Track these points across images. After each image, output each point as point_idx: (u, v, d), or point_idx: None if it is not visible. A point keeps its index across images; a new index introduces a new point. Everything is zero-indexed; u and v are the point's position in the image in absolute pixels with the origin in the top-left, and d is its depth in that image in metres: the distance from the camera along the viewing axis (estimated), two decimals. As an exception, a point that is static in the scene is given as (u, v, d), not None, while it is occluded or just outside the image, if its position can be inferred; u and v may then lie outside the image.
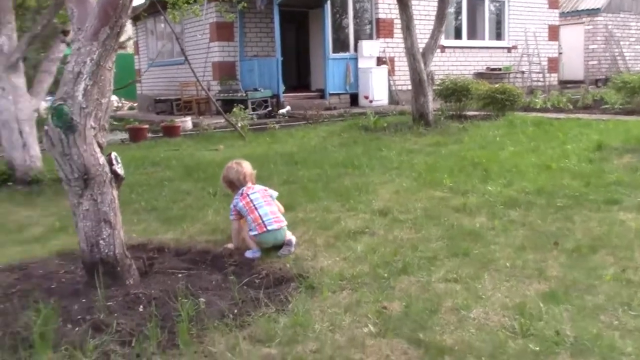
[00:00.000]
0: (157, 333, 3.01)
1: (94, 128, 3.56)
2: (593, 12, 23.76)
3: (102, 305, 3.30)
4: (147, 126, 12.38)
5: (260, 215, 4.42)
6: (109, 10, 3.26)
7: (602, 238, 4.30)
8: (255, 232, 4.37)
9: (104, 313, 3.25)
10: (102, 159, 3.53)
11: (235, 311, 3.37)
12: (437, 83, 12.85)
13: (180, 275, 4.00)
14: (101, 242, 3.61)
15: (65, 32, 8.22)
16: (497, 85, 12.70)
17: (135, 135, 11.89)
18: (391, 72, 17.39)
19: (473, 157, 7.75)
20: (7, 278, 4.08)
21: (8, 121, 7.53)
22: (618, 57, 23.51)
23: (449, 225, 4.79)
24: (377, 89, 16.83)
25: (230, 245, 4.52)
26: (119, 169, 3.65)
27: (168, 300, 3.44)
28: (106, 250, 3.63)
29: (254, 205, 4.47)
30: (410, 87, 12.05)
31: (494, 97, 12.24)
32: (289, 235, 4.47)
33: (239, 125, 11.87)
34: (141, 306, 3.40)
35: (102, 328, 3.08)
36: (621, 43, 23.92)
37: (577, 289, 3.44)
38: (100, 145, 3.64)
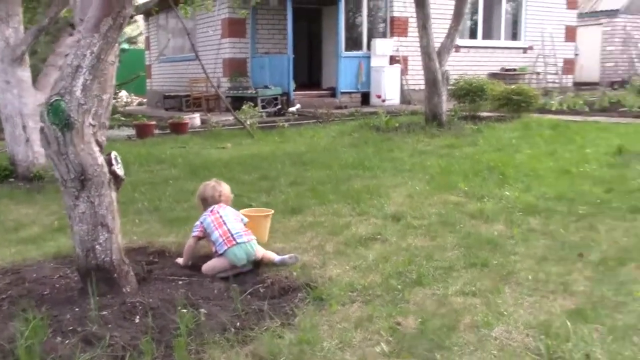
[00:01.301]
0: (152, 348, 2.79)
1: (93, 126, 3.35)
2: (612, 14, 23.35)
3: (96, 316, 3.09)
4: (154, 122, 12.19)
5: (228, 229, 4.04)
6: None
7: (630, 250, 4.05)
8: (225, 248, 3.95)
9: (97, 324, 3.03)
10: (100, 159, 3.31)
11: (238, 324, 3.14)
12: (452, 83, 12.59)
13: (180, 282, 3.79)
14: (97, 247, 3.40)
15: (73, 26, 8.02)
16: (512, 86, 12.43)
17: (142, 131, 11.70)
18: (404, 71, 17.11)
19: (488, 160, 7.50)
20: (-2, 282, 3.88)
21: (12, 115, 7.35)
22: (635, 59, 23.10)
23: (465, 233, 4.54)
24: (389, 88, 16.56)
25: (179, 260, 4.16)
26: (119, 170, 3.43)
27: (166, 312, 3.22)
28: (102, 256, 3.42)
29: (223, 220, 4.09)
30: (423, 87, 11.78)
31: (510, 98, 11.97)
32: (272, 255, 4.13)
33: (248, 123, 11.67)
34: (137, 317, 3.18)
35: (94, 342, 2.86)
36: (639, 45, 23.51)
37: (606, 306, 3.20)
38: (99, 144, 3.43)
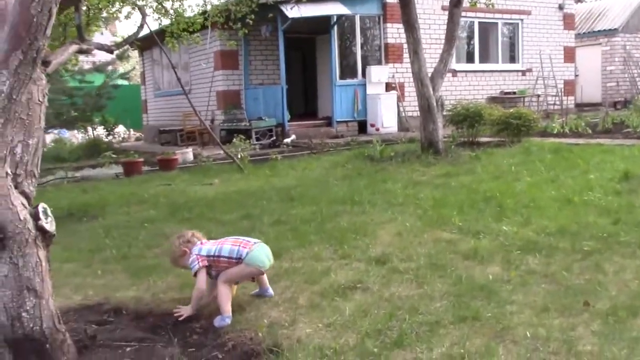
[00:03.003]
0: None
1: (15, 176, 2.92)
2: (610, 33, 23.01)
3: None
4: (141, 160, 11.79)
5: (236, 238, 3.87)
6: (21, 31, 2.63)
7: (642, 295, 3.55)
8: (245, 252, 3.72)
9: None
10: (23, 213, 2.87)
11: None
12: (448, 109, 12.18)
13: (128, 349, 3.32)
14: (24, 314, 2.94)
15: (45, 63, 7.66)
16: (511, 110, 11.99)
17: (130, 169, 11.30)
18: (401, 98, 16.75)
19: (486, 190, 7.03)
20: None
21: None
22: (638, 78, 22.68)
23: (456, 278, 4.06)
24: (386, 116, 16.18)
25: (184, 310, 3.73)
26: (48, 225, 2.99)
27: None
28: (31, 325, 2.95)
29: (222, 239, 3.90)
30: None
31: (509, 123, 11.51)
32: None
33: (240, 156, 11.26)
34: (65, 400, 2.71)
35: None
36: (640, 64, 23.13)
37: (617, 371, 2.71)
38: (27, 196, 3.00)
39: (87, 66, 19.22)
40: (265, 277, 3.98)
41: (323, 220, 5.99)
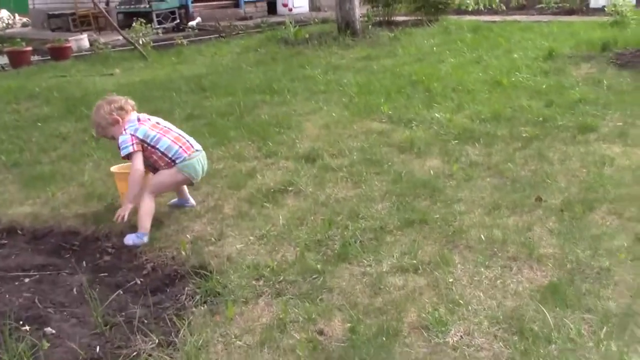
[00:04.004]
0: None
1: None
2: None
3: None
4: (30, 48, 10.55)
5: (180, 135, 3.30)
6: None
7: (594, 186, 3.34)
8: (184, 156, 3.21)
9: None
10: None
11: (97, 349, 2.24)
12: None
13: (27, 280, 2.82)
14: None
15: None
16: (428, -14, 11.49)
17: (16, 59, 10.09)
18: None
19: (410, 73, 6.66)
20: None
21: None
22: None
23: (395, 175, 3.72)
24: (296, -5, 15.30)
25: (121, 210, 3.14)
26: None
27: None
28: None
29: (166, 127, 3.32)
30: (333, -8, 10.68)
31: (427, 0, 11.05)
32: None
33: (141, 42, 10.29)
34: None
35: None
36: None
37: (586, 277, 2.47)
38: None
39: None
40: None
41: (241, 113, 5.47)
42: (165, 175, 3.24)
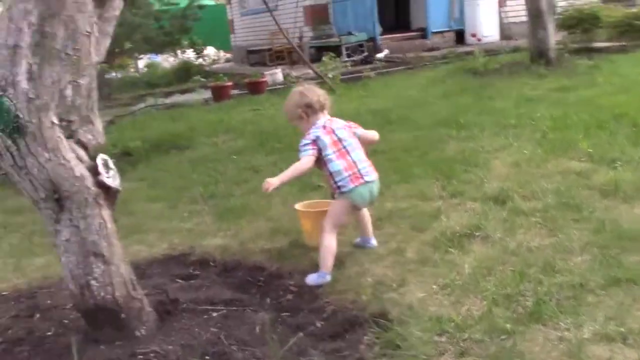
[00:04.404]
0: None
1: (68, 123, 2.47)
2: None
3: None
4: (230, 83, 11.35)
5: (354, 162, 3.22)
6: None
7: None
8: (350, 186, 3.17)
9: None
10: (79, 169, 2.42)
11: (275, 395, 2.22)
12: (558, 12, 10.90)
13: (215, 314, 2.91)
14: (93, 282, 2.55)
15: (121, -14, 7.23)
16: (634, 10, 10.57)
17: (218, 93, 10.93)
18: (502, 2, 15.31)
19: (613, 105, 6.09)
20: (3, 314, 3.16)
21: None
22: None
23: (597, 223, 3.35)
24: (485, 24, 14.87)
25: (274, 180, 3.13)
26: (110, 180, 2.53)
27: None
28: (102, 293, 2.57)
29: (345, 147, 3.24)
30: (525, 19, 10.22)
31: (632, 25, 10.16)
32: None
33: (330, 75, 10.61)
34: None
35: None
36: None
37: None
38: (84, 146, 2.55)
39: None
40: (369, 223, 3.46)
41: (426, 149, 5.35)
42: (335, 207, 3.26)
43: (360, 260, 3.26)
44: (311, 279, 3.12)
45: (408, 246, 3.35)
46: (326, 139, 3.22)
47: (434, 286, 2.86)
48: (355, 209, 3.32)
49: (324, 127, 3.26)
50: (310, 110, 3.27)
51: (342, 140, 3.25)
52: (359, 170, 3.21)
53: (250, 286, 3.24)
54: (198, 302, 3.01)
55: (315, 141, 3.20)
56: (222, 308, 2.95)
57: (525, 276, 2.82)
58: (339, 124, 3.34)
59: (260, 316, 2.84)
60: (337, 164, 3.19)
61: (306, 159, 3.19)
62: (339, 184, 3.19)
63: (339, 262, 3.24)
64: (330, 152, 3.20)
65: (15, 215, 4.91)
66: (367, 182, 3.21)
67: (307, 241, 3.57)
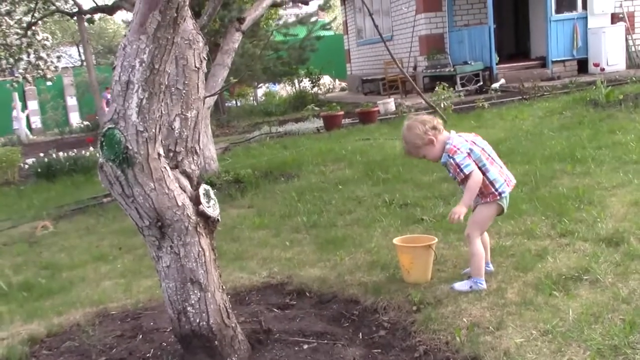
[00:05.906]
0: None
1: (174, 154, 2.60)
2: None
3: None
4: (341, 113, 11.51)
5: (501, 167, 3.32)
6: (159, -13, 2.21)
7: None
8: (507, 190, 3.28)
9: None
10: (181, 199, 2.53)
11: None
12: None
13: (305, 346, 2.92)
14: (189, 309, 2.65)
15: (240, 20, 7.58)
16: None
17: (330, 122, 11.11)
18: (630, 30, 14.52)
19: None
20: (110, 333, 3.35)
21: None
22: None
23: None
24: (611, 52, 14.12)
25: (457, 209, 3.17)
26: (210, 210, 2.63)
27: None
28: (197, 320, 2.66)
29: (490, 155, 3.30)
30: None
31: None
32: None
33: (443, 105, 10.49)
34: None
35: None
36: None
37: None
38: (188, 176, 2.67)
39: (291, 19, 19.43)
40: (488, 246, 3.49)
41: (537, 184, 5.13)
42: (483, 213, 3.29)
43: (457, 299, 3.16)
44: (464, 285, 3.23)
45: (509, 287, 3.21)
46: (476, 150, 3.24)
47: (534, 331, 2.72)
48: (497, 215, 3.38)
49: (465, 140, 3.26)
50: (436, 131, 3.28)
51: (485, 149, 3.29)
52: (507, 174, 3.33)
53: (343, 319, 3.24)
54: (290, 333, 3.05)
55: (470, 154, 3.20)
56: (314, 341, 2.96)
57: (636, 327, 2.61)
58: (468, 135, 3.36)
59: (351, 352, 2.82)
60: (493, 172, 3.24)
61: (476, 173, 3.17)
62: (499, 190, 3.24)
63: (436, 300, 3.16)
64: (485, 162, 3.23)
65: (132, 236, 5.21)
66: (514, 184, 3.37)
67: (404, 277, 3.51)
